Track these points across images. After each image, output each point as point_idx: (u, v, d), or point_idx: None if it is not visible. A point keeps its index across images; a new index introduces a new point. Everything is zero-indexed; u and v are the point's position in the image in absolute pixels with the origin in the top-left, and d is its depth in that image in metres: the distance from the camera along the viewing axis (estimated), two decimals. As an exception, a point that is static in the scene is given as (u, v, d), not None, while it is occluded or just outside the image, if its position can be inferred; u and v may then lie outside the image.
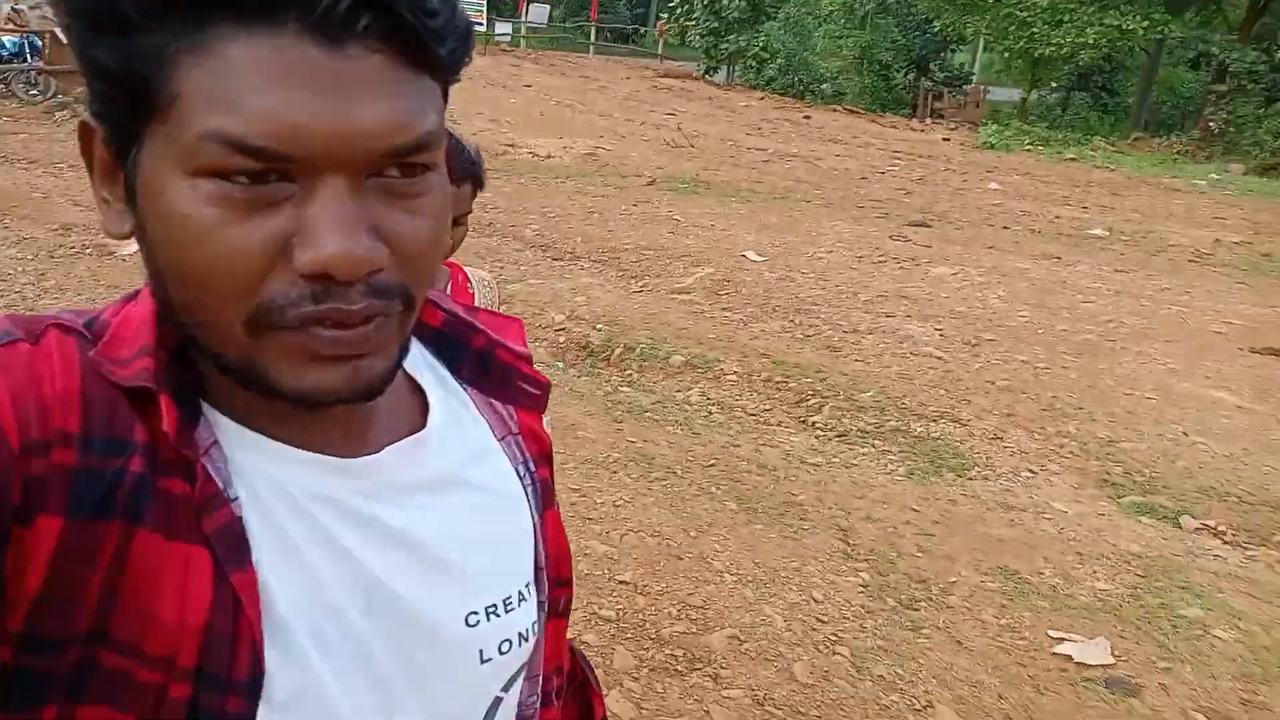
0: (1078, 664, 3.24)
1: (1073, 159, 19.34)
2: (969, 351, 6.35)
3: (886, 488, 4.51)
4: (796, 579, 3.64)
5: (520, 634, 0.75)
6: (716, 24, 27.81)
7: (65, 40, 0.58)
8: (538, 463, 0.82)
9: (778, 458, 4.75)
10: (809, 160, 15.54)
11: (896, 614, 3.46)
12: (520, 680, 0.78)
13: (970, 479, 4.66)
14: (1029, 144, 20.65)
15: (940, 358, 6.21)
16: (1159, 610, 3.62)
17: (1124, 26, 21.94)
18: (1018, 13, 23.24)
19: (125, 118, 0.57)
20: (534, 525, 0.80)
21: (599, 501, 4.09)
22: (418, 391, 0.75)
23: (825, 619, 3.36)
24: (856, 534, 4.03)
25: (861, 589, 3.61)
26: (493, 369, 0.79)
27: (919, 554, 3.91)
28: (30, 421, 0.56)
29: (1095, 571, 3.87)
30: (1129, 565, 3.94)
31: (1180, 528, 4.36)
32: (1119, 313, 7.45)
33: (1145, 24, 22.05)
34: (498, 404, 0.80)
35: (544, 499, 0.82)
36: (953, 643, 3.30)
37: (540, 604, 0.80)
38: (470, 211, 1.82)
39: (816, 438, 5.08)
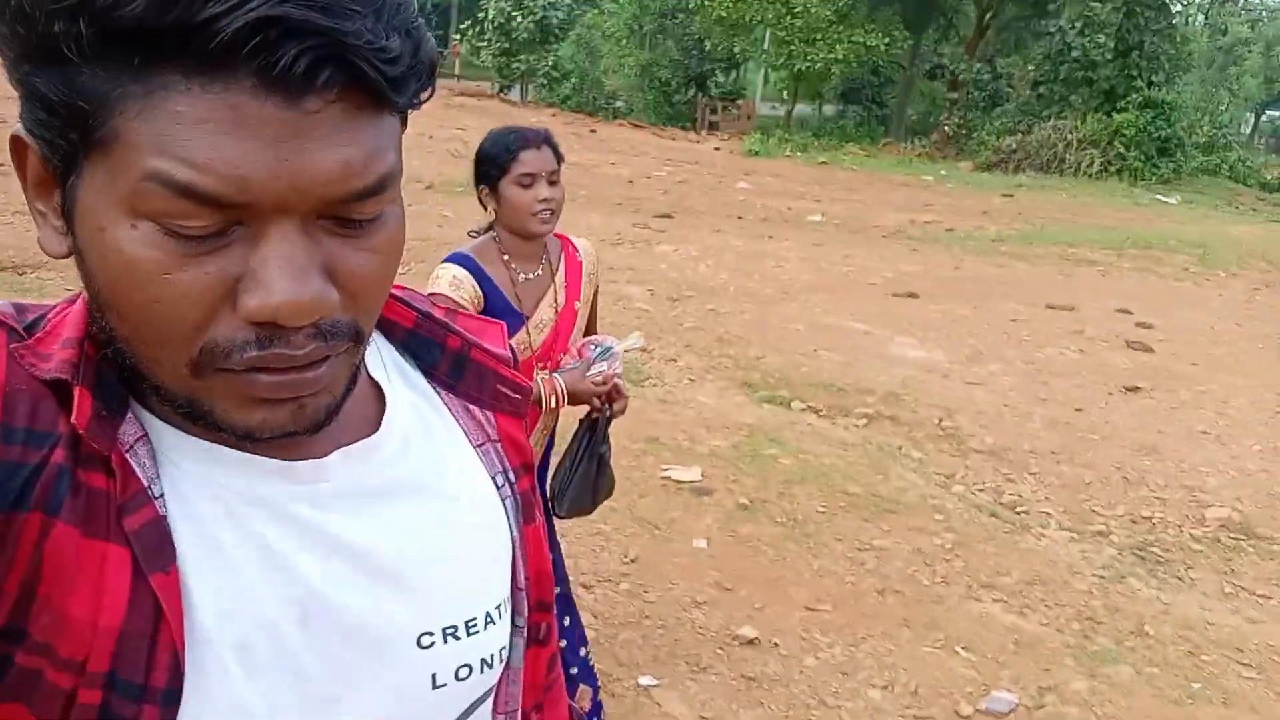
0: (675, 481, 4.66)
1: (824, 163, 21.63)
2: (669, 305, 7.85)
3: (579, 397, 5.88)
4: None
5: (484, 660, 0.70)
6: (507, 44, 29.19)
7: None
8: (518, 473, 0.78)
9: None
10: (586, 168, 17.00)
11: (556, 461, 4.81)
12: (482, 711, 0.74)
13: (643, 387, 6.08)
14: (789, 151, 22.89)
15: (646, 309, 7.68)
16: (749, 452, 5.10)
17: (868, 43, 24.56)
18: (777, 33, 25.61)
19: (63, 143, 0.53)
20: (513, 540, 0.76)
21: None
22: (379, 394, 0.70)
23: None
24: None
25: (536, 451, 4.94)
26: (468, 372, 0.76)
27: (588, 432, 5.28)
28: None
29: (714, 435, 5.33)
30: (740, 430, 5.43)
31: (790, 408, 5.91)
32: (800, 274, 9.15)
33: (886, 40, 24.74)
34: (475, 409, 0.76)
35: (524, 512, 0.78)
36: (591, 474, 4.67)
37: (518, 629, 0.76)
38: (557, 169, 2.29)
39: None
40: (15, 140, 0.57)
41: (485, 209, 2.36)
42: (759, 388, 6.19)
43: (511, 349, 0.82)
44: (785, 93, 30.78)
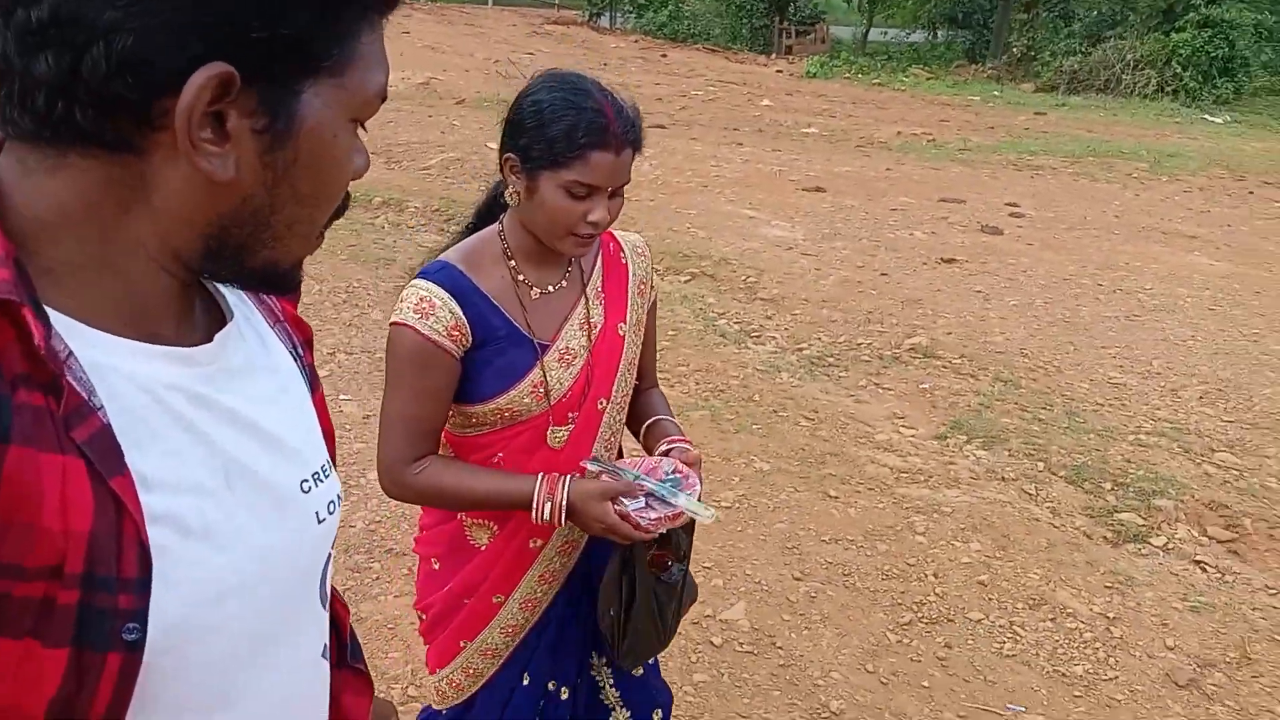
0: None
1: (878, 84, 22.20)
2: (594, 193, 9.19)
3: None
4: (363, 283, 6.43)
5: (333, 500, 0.86)
6: (595, -29, 30.39)
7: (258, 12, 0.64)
8: (304, 348, 0.91)
9: (413, 246, 7.55)
10: (627, 87, 18.20)
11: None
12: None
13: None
14: (848, 74, 23.50)
15: (572, 197, 9.04)
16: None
17: (938, -36, 24.73)
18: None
19: (288, 73, 0.68)
20: (312, 405, 0.88)
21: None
22: (205, 289, 0.81)
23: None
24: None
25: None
26: None
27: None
28: None
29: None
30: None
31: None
32: (731, 172, 10.32)
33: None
34: (263, 295, 0.88)
35: (312, 383, 0.90)
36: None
37: None
38: (629, 181, 1.62)
39: (443, 232, 7.89)
40: (226, 76, 0.64)
41: (505, 183, 1.66)
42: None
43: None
44: (862, 15, 31.04)
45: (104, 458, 0.64)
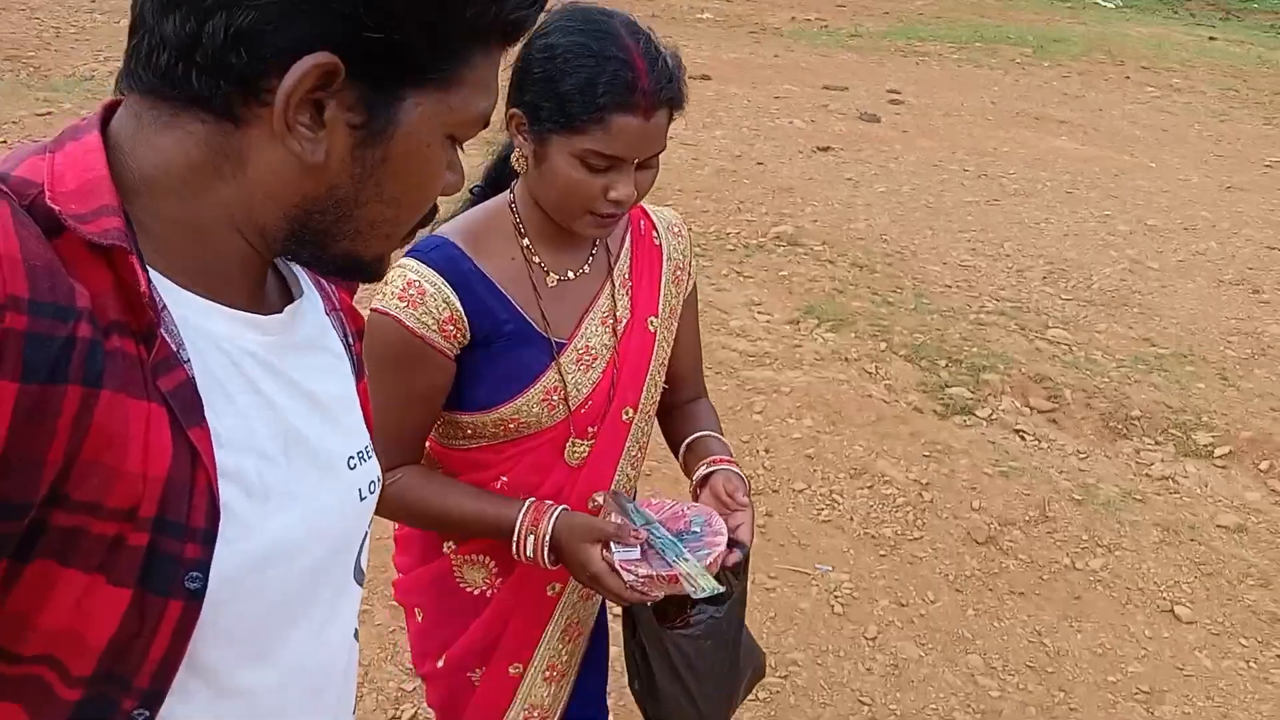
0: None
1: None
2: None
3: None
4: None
5: (373, 481, 0.89)
6: None
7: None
8: (354, 337, 0.94)
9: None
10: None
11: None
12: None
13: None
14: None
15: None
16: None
17: None
18: None
19: (393, 77, 0.70)
20: (355, 392, 0.91)
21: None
22: (275, 267, 0.84)
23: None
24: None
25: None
26: None
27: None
28: None
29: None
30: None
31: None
32: (621, 60, 10.24)
33: None
34: (322, 281, 0.91)
35: (358, 371, 0.93)
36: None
37: None
38: (664, 148, 1.34)
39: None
40: (331, 67, 0.66)
41: (513, 148, 1.36)
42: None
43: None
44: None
45: (185, 408, 0.68)
